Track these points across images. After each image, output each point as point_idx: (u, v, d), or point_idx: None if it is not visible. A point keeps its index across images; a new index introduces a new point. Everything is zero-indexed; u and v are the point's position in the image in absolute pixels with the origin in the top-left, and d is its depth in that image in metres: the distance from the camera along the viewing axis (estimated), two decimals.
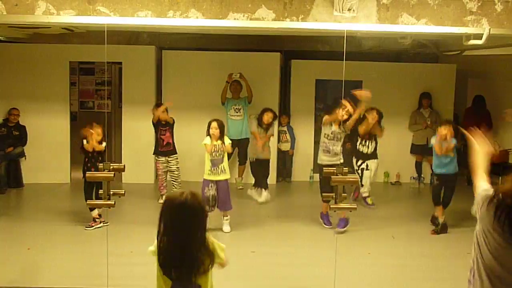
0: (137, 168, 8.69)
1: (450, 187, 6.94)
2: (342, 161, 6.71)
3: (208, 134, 6.70)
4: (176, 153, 8.07)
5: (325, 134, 6.89)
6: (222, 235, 6.63)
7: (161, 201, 7.82)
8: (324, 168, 4.97)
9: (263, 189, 8.08)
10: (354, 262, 5.88)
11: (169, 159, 8.03)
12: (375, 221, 7.41)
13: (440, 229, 6.89)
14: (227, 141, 6.81)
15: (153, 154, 8.22)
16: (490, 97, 9.58)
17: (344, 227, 6.83)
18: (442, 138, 6.77)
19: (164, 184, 8.08)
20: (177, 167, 8.06)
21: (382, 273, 5.71)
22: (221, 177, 6.74)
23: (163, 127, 7.98)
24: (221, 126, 6.72)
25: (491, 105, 9.59)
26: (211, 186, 6.70)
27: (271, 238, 6.83)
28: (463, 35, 5.72)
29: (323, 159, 6.89)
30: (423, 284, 5.50)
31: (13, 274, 5.40)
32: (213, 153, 6.69)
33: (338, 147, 6.83)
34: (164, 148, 8.01)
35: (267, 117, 8.02)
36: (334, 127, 6.82)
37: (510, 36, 5.82)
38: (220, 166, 6.72)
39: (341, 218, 6.86)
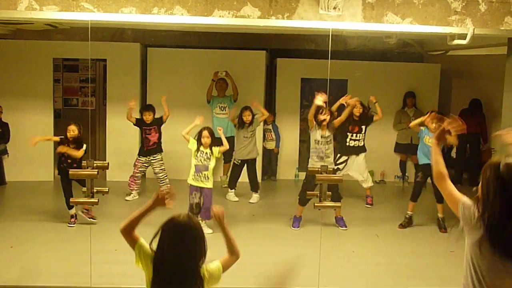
0: (121, 166, 8.62)
1: None
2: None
3: (199, 141, 6.61)
4: (160, 152, 7.98)
5: (315, 140, 6.82)
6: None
7: (129, 198, 7.89)
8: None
9: (254, 192, 8.23)
10: (338, 261, 5.90)
11: (152, 159, 7.92)
12: (359, 220, 7.44)
13: (407, 222, 7.06)
14: (216, 149, 6.70)
15: (138, 155, 8.07)
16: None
17: (344, 225, 6.97)
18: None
19: (138, 182, 8.03)
20: (161, 169, 7.96)
21: (366, 271, 5.73)
22: (205, 184, 6.63)
23: (147, 126, 7.89)
24: (212, 135, 6.67)
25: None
26: (195, 194, 6.62)
27: (255, 236, 6.81)
28: (448, 34, 5.76)
29: (316, 165, 6.81)
30: (407, 282, 5.53)
31: None
32: (199, 159, 6.62)
33: (330, 149, 6.84)
34: (149, 147, 7.90)
35: (247, 116, 8.07)
36: (323, 132, 6.76)
37: (494, 36, 5.87)
38: (203, 173, 6.61)
39: (338, 217, 6.98)
